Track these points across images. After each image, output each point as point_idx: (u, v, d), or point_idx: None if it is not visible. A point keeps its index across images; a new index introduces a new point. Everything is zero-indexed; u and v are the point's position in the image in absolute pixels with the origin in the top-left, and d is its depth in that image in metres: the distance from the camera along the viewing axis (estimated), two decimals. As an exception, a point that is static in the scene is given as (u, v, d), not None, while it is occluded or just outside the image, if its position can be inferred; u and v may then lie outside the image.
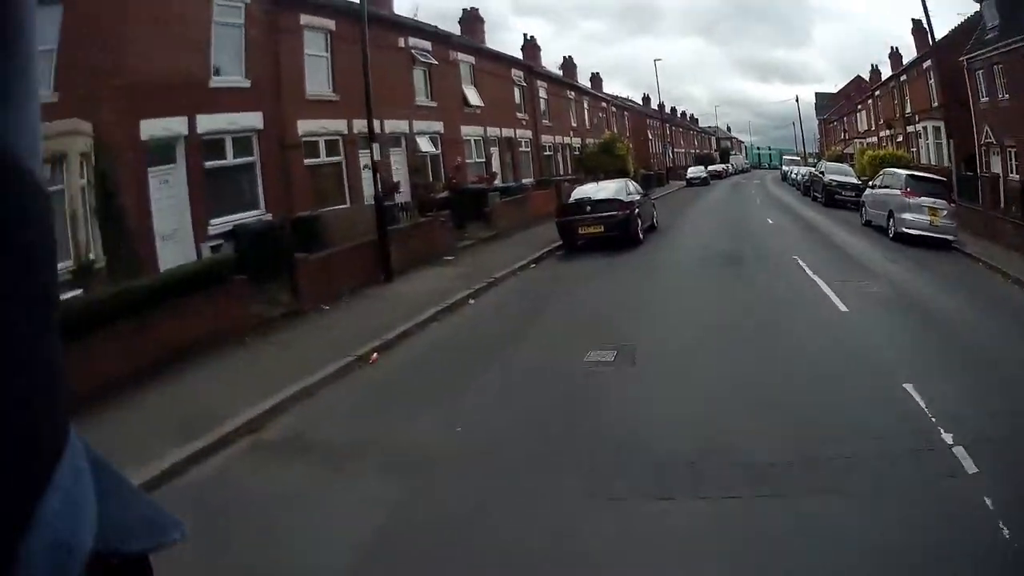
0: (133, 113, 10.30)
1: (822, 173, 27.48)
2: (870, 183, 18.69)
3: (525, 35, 37.09)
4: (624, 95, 58.77)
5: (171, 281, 8.50)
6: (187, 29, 11.50)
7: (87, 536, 0.37)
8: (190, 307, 8.31)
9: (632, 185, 17.77)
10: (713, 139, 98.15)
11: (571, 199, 16.59)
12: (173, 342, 7.78)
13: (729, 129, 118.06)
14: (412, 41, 20.05)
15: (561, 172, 33.76)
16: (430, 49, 21.03)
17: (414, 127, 19.52)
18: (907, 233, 14.97)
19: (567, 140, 35.44)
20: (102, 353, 6.88)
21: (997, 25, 21.89)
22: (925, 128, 30.71)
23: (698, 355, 7.46)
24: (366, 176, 14.80)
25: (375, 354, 8.14)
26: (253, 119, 13.11)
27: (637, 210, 15.85)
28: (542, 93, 32.19)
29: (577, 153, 36.36)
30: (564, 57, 41.92)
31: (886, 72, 42.39)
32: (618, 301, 10.56)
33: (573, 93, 37.34)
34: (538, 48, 35.92)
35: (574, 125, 36.76)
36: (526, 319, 9.72)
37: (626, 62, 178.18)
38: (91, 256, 9.33)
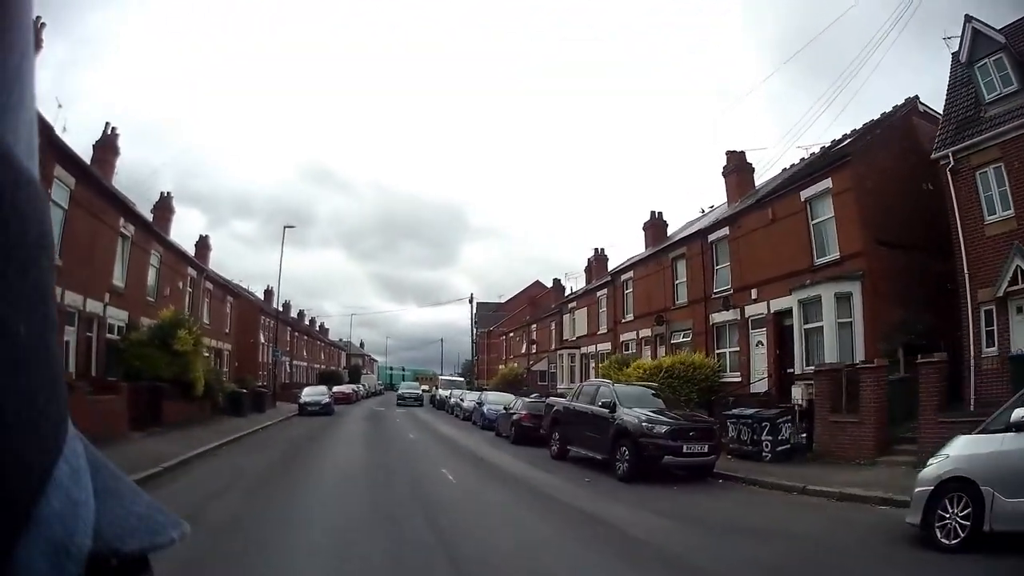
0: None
1: (611, 407, 13.29)
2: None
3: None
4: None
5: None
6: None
7: (86, 536, 0.36)
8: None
9: None
10: (344, 355, 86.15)
11: None
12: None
13: (363, 345, 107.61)
14: None
15: (71, 368, 16.27)
16: None
17: None
18: None
19: (99, 309, 18.40)
20: None
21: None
22: (813, 297, 17.31)
23: None
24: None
25: None
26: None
27: None
28: (61, 197, 15.61)
29: (116, 336, 19.29)
30: (162, 193, 26.73)
31: (619, 255, 30.27)
32: None
33: (132, 228, 20.81)
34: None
35: (119, 284, 19.98)
36: None
37: (270, 268, 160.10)
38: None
